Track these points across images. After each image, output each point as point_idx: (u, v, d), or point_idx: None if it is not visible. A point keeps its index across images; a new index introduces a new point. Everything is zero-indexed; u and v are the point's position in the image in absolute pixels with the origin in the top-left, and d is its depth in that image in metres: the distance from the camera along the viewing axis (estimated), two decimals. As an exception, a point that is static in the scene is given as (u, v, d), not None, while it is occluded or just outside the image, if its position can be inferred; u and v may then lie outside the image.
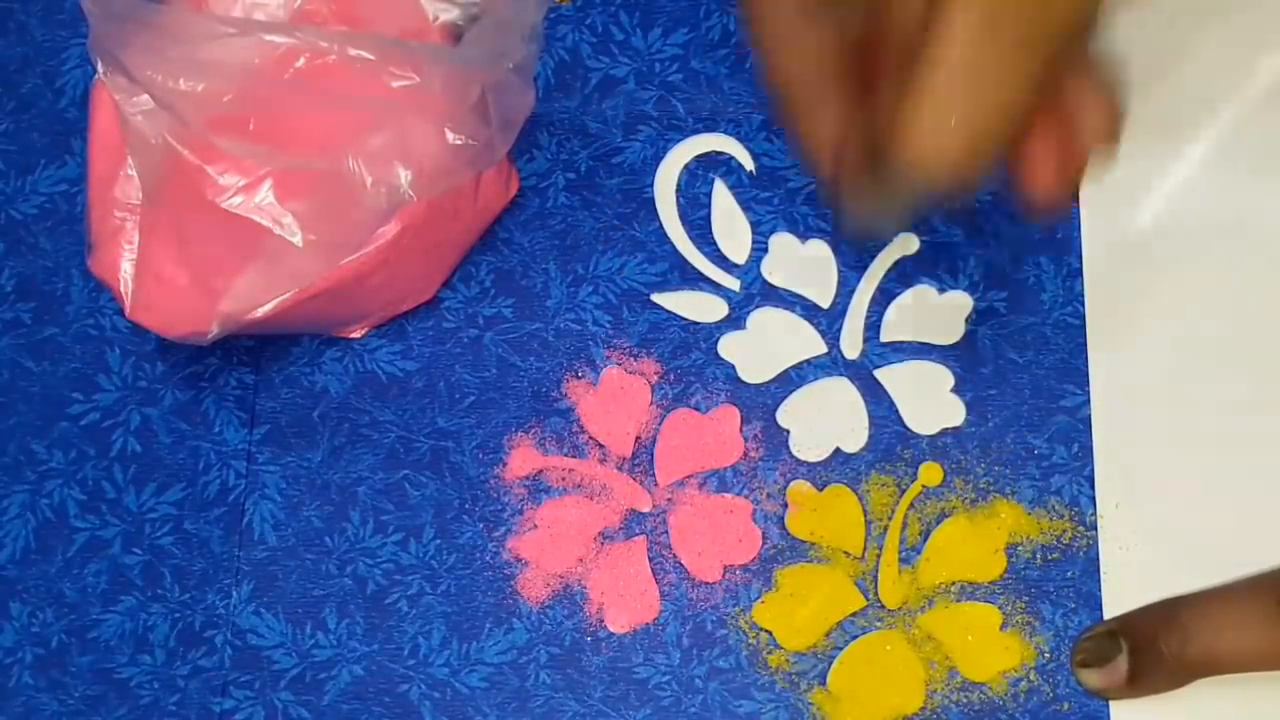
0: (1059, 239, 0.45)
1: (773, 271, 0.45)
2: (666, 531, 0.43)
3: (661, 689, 0.42)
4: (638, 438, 0.44)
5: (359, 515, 0.44)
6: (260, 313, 0.41)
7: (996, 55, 0.28)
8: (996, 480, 0.43)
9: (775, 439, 0.44)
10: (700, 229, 0.46)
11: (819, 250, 0.45)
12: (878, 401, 0.44)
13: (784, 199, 0.46)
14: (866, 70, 0.32)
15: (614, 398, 0.44)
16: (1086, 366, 0.44)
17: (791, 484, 0.43)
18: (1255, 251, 0.44)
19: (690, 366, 0.45)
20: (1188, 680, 0.40)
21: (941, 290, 0.45)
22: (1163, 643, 0.39)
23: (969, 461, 0.43)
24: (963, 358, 0.44)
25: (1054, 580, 0.42)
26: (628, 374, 0.45)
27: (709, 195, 0.46)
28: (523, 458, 0.44)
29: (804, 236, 0.45)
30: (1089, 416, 0.43)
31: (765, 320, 0.45)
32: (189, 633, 0.43)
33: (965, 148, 0.28)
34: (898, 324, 0.44)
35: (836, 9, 0.31)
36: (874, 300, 0.45)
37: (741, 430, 0.44)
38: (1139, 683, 0.40)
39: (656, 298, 0.45)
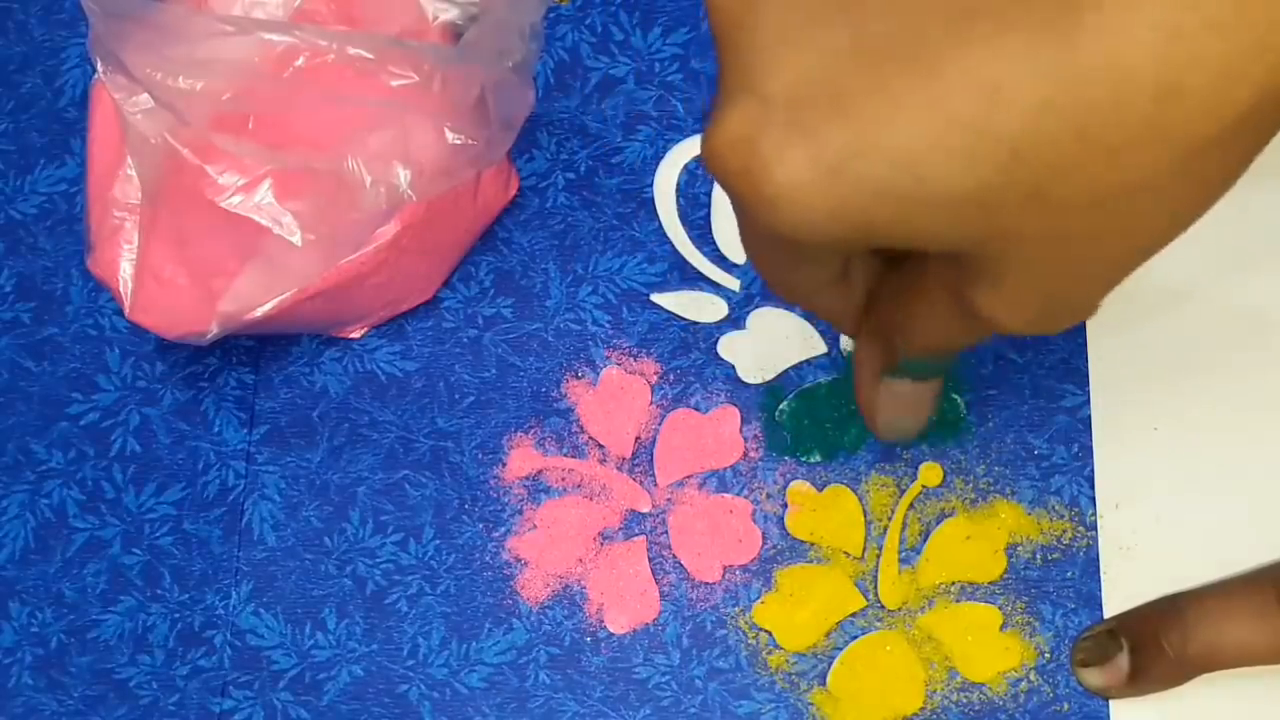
0: (1059, 239, 0.45)
1: (773, 272, 0.45)
2: (666, 531, 0.43)
3: (661, 689, 0.42)
4: (637, 438, 0.44)
5: (358, 515, 0.44)
6: (260, 313, 0.41)
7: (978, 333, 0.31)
8: (996, 480, 0.43)
9: (775, 439, 0.44)
10: (700, 229, 0.46)
11: (819, 250, 0.45)
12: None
13: (784, 199, 0.46)
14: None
15: (614, 398, 0.44)
16: (1086, 366, 0.44)
17: (791, 484, 0.43)
18: (1255, 251, 0.44)
19: (690, 366, 0.45)
20: (1189, 677, 0.40)
21: (941, 290, 0.45)
22: (1163, 640, 0.39)
23: (969, 461, 0.43)
24: (963, 358, 0.44)
25: (1054, 580, 0.42)
26: (627, 374, 0.45)
27: (709, 195, 0.46)
28: (522, 458, 0.44)
29: (804, 237, 0.45)
30: (1089, 416, 0.43)
31: (765, 320, 0.45)
32: (188, 633, 0.43)
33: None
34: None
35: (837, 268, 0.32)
36: (874, 300, 0.45)
37: (741, 430, 0.44)
38: (1140, 680, 0.40)
39: (656, 298, 0.45)
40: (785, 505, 0.43)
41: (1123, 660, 0.40)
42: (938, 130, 0.25)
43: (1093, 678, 0.41)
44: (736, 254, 0.45)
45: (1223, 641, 0.38)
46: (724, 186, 0.28)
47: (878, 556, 0.43)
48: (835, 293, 0.33)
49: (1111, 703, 0.41)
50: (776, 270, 0.32)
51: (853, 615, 0.42)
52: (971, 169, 0.25)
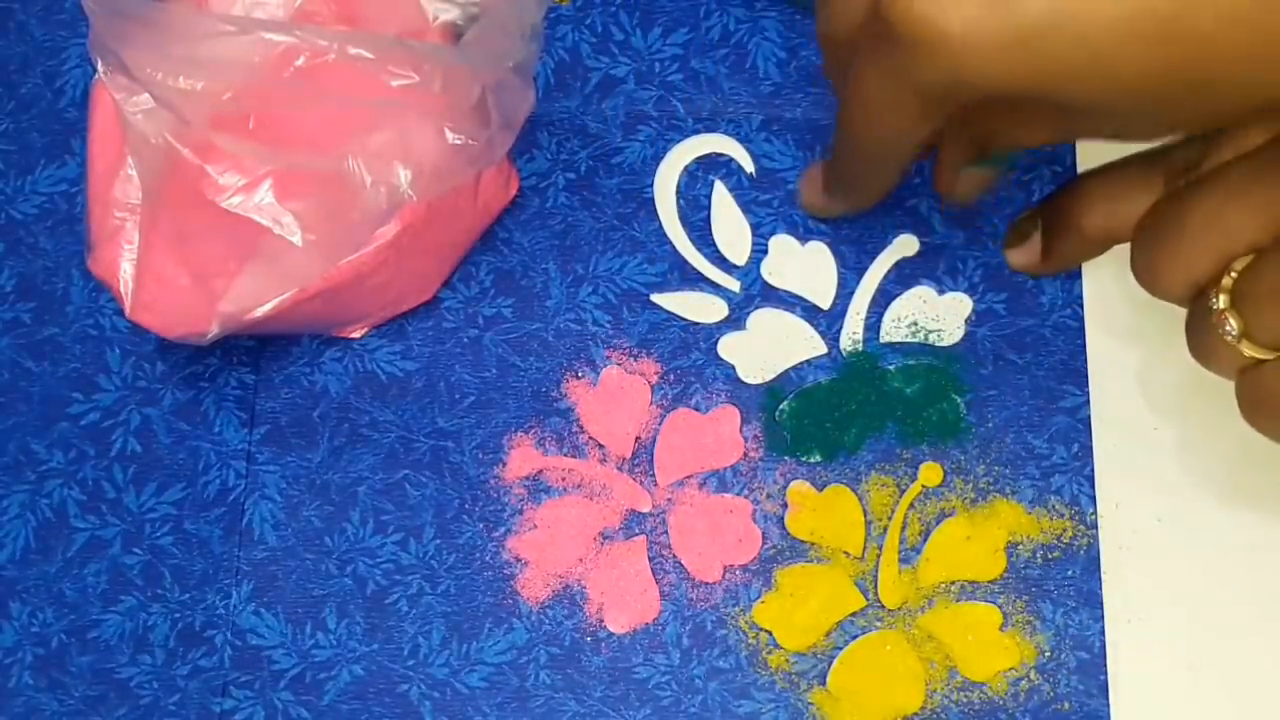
0: (1059, 239, 0.45)
1: (772, 272, 0.45)
2: (666, 531, 0.43)
3: (661, 689, 0.42)
4: (638, 438, 0.44)
5: (359, 515, 0.44)
6: (260, 313, 0.41)
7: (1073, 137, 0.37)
8: (996, 480, 0.43)
9: (775, 439, 0.44)
10: (700, 229, 0.46)
11: (819, 252, 0.45)
12: (878, 401, 0.44)
13: (784, 200, 0.46)
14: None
15: (614, 398, 0.44)
16: (1086, 367, 0.44)
17: (791, 484, 0.43)
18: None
19: (690, 366, 0.45)
20: (1093, 250, 0.42)
21: (941, 291, 0.45)
22: (1067, 216, 0.41)
23: (969, 461, 0.43)
24: (963, 358, 0.44)
25: (1054, 579, 0.42)
26: (628, 374, 0.45)
27: (709, 197, 0.46)
28: (523, 458, 0.44)
29: (804, 238, 0.45)
30: (1089, 417, 0.43)
31: (765, 321, 0.45)
32: (189, 633, 0.43)
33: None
34: (897, 325, 0.44)
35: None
36: (874, 301, 0.45)
37: (741, 430, 0.44)
38: (1051, 256, 0.43)
39: (656, 298, 0.45)
40: (785, 505, 0.43)
41: (1037, 239, 0.43)
42: (1130, 13, 0.29)
43: (1014, 257, 0.44)
44: (736, 255, 0.45)
45: (1118, 213, 0.40)
46: (892, 36, 0.32)
47: (878, 556, 0.43)
48: (919, 139, 0.36)
49: (1112, 701, 0.41)
50: (879, 140, 0.36)
51: (853, 615, 0.42)
52: (1147, 54, 0.29)
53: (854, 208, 0.44)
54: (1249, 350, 0.36)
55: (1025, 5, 0.30)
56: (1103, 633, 0.42)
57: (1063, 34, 0.30)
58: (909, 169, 0.41)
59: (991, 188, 0.43)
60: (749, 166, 0.46)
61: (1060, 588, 0.42)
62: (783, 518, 0.43)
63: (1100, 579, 0.42)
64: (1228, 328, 0.36)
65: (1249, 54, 0.29)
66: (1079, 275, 0.44)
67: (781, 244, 0.45)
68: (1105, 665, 0.41)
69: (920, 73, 0.32)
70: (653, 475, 0.44)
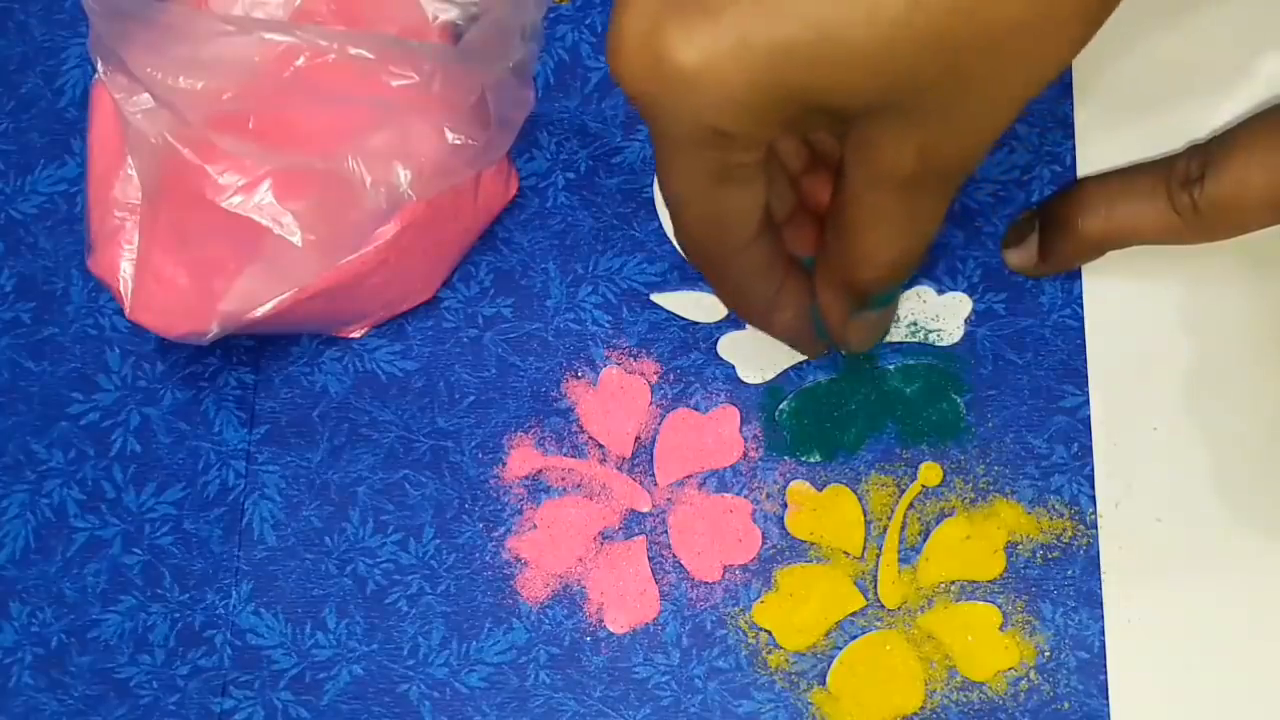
0: (1058, 239, 0.45)
1: (772, 272, 0.45)
2: (666, 531, 0.43)
3: (661, 689, 0.42)
4: (637, 438, 0.44)
5: (359, 515, 0.44)
6: (260, 313, 0.41)
7: (915, 208, 0.33)
8: (996, 480, 0.43)
9: (775, 439, 0.44)
10: (700, 229, 0.46)
11: (819, 251, 0.45)
12: (877, 401, 0.44)
13: (784, 199, 0.46)
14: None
15: (614, 398, 0.44)
16: (1086, 367, 0.44)
17: (791, 484, 0.43)
18: (1252, 252, 0.44)
19: (690, 366, 0.45)
20: (1091, 253, 0.43)
21: (941, 291, 0.45)
22: (1066, 218, 0.42)
23: (969, 461, 0.43)
24: (963, 358, 0.44)
25: (1054, 579, 0.42)
26: (627, 374, 0.45)
27: (709, 195, 0.46)
28: (522, 457, 0.44)
29: (804, 237, 0.45)
30: (1089, 417, 0.43)
31: (765, 320, 0.45)
32: (189, 633, 0.43)
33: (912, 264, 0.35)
34: (897, 325, 0.44)
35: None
36: (874, 300, 0.45)
37: (741, 430, 0.44)
38: (1049, 257, 0.43)
39: (656, 298, 0.45)
40: (785, 505, 0.43)
41: (1034, 240, 0.43)
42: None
43: (1011, 257, 0.44)
44: (736, 254, 0.45)
45: (1116, 218, 0.41)
46: (637, 97, 0.30)
47: (877, 556, 0.43)
48: (762, 247, 0.35)
49: (1111, 700, 0.41)
50: (705, 220, 0.34)
51: (852, 615, 0.42)
52: (873, 19, 0.27)
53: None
54: None
55: (734, 9, 0.27)
56: (1103, 633, 0.42)
57: (779, 23, 0.27)
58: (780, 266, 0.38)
59: (887, 329, 0.41)
60: (749, 166, 0.46)
61: (1060, 588, 0.42)
62: (782, 517, 0.43)
63: (1100, 579, 0.42)
64: None
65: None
66: (1079, 275, 0.44)
67: (781, 244, 0.45)
68: (1105, 665, 0.41)
69: (676, 124, 0.30)
70: (652, 475, 0.44)
